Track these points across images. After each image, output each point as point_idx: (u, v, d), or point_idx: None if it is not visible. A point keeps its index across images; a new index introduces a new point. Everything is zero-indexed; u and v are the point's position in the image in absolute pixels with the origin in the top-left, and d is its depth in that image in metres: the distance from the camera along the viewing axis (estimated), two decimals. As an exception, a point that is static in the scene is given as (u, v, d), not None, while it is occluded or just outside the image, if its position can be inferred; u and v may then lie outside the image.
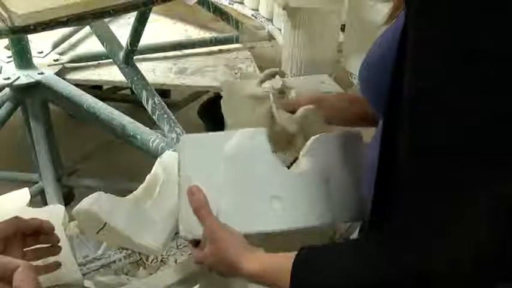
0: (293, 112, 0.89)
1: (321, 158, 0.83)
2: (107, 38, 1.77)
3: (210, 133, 0.79)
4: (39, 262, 0.79)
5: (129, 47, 1.67)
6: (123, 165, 2.23)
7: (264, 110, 0.86)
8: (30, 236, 0.76)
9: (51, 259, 0.81)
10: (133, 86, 1.63)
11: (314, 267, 0.64)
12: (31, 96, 1.78)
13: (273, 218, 0.80)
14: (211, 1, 1.88)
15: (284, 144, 0.88)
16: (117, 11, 1.01)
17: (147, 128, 1.51)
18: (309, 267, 0.65)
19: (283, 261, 0.67)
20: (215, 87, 1.86)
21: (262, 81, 0.89)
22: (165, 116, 1.45)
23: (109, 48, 1.76)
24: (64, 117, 2.46)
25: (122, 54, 1.71)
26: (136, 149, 1.51)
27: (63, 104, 1.84)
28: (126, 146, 1.75)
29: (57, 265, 0.80)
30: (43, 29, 0.93)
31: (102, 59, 1.93)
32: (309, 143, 0.84)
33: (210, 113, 2.52)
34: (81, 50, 2.02)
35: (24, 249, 0.76)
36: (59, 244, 0.81)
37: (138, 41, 1.67)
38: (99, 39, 1.82)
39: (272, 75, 0.91)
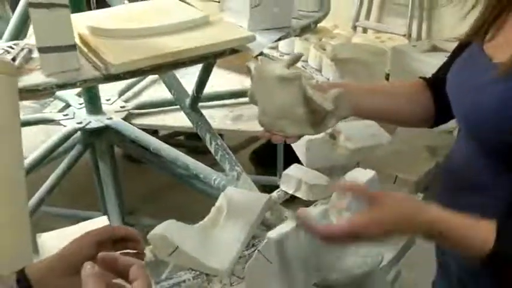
0: None
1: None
2: (174, 85, 1.90)
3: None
4: None
5: (195, 94, 1.79)
6: (181, 207, 2.30)
7: (294, 89, 0.91)
8: (119, 243, 0.84)
9: None
10: (198, 129, 1.75)
11: None
12: (100, 139, 1.92)
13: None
14: (264, 53, 2.01)
15: (316, 122, 0.94)
16: (191, 62, 1.13)
17: (209, 168, 1.62)
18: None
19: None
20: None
21: (288, 65, 0.95)
22: (227, 156, 1.57)
23: (176, 95, 1.89)
24: (122, 160, 2.61)
25: (187, 100, 1.83)
26: (197, 189, 1.60)
27: (130, 147, 1.98)
28: (184, 188, 1.83)
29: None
30: (130, 77, 1.07)
31: (163, 106, 2.06)
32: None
33: (262, 159, 2.63)
34: (143, 98, 2.17)
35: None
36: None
37: (203, 88, 1.80)
38: (167, 87, 1.95)
39: (295, 60, 0.97)
